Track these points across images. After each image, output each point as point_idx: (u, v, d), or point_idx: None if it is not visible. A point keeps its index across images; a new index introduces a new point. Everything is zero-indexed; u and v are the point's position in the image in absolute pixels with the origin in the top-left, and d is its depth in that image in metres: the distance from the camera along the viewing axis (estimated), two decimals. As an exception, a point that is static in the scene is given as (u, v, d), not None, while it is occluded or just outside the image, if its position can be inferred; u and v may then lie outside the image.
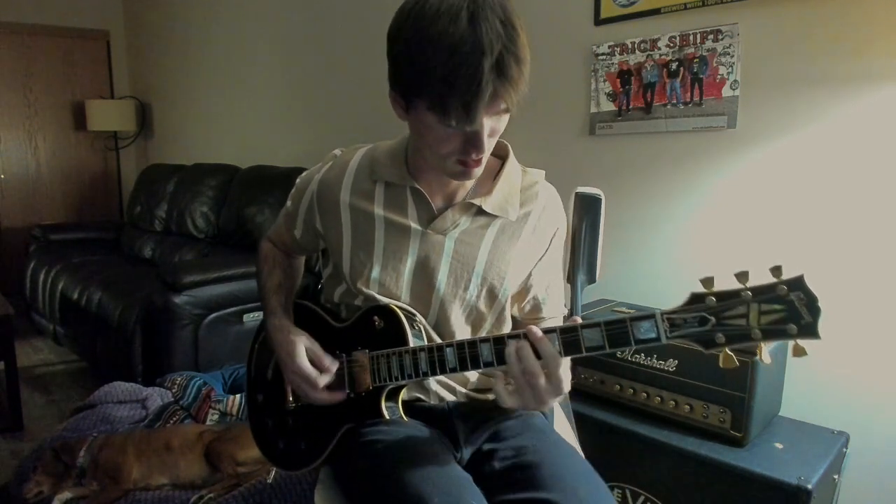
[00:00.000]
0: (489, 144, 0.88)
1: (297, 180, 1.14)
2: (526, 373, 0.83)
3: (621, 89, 1.92)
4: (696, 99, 1.75)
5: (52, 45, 4.74)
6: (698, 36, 1.73)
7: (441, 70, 0.77)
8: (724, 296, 0.74)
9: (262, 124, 3.71)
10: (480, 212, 1.00)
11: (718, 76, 1.70)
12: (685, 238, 1.84)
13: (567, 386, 0.84)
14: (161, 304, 2.46)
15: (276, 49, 3.49)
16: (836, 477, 1.40)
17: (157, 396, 2.32)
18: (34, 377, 3.24)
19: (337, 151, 1.13)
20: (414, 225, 1.00)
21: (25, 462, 1.95)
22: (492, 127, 0.86)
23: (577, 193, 1.30)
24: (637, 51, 1.86)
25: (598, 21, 1.95)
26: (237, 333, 2.58)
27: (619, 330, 0.79)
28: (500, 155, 1.05)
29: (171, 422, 2.13)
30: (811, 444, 1.42)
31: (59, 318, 3.33)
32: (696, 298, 0.76)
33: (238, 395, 2.21)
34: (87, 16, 4.86)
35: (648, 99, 1.86)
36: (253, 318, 2.59)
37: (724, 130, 1.71)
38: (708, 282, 0.75)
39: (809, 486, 1.24)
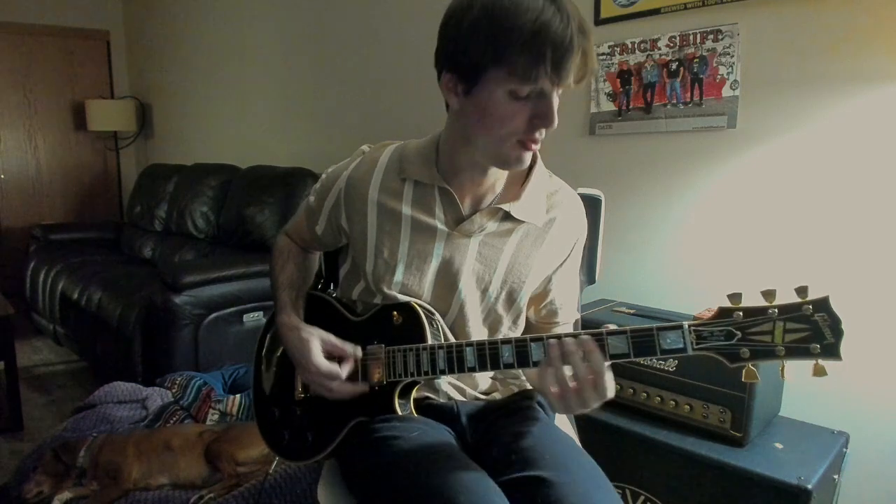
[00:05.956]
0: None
1: (323, 176, 1.13)
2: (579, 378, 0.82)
3: (621, 89, 1.92)
4: (696, 99, 1.75)
5: (52, 45, 4.73)
6: (698, 36, 1.73)
7: (531, 28, 0.80)
8: (750, 312, 0.76)
9: (262, 124, 3.71)
10: (507, 216, 0.99)
11: (718, 76, 1.70)
12: (685, 238, 1.84)
13: (611, 391, 0.83)
14: (161, 304, 2.46)
15: (276, 49, 3.49)
16: (836, 477, 1.40)
17: (157, 396, 2.31)
18: (34, 377, 3.24)
19: (365, 147, 1.12)
20: (440, 226, 1.00)
21: (25, 462, 1.95)
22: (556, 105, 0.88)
23: (576, 194, 1.29)
24: (637, 51, 1.86)
25: (598, 21, 1.95)
26: (237, 333, 2.57)
27: (645, 339, 0.80)
28: None
29: (171, 422, 2.13)
30: (811, 444, 1.42)
31: (59, 318, 3.32)
32: (723, 313, 0.78)
33: (238, 395, 2.20)
34: (87, 16, 4.85)
35: (648, 99, 1.86)
36: (253, 318, 2.59)
37: (724, 130, 1.71)
38: (735, 297, 0.77)
39: (809, 486, 1.24)
